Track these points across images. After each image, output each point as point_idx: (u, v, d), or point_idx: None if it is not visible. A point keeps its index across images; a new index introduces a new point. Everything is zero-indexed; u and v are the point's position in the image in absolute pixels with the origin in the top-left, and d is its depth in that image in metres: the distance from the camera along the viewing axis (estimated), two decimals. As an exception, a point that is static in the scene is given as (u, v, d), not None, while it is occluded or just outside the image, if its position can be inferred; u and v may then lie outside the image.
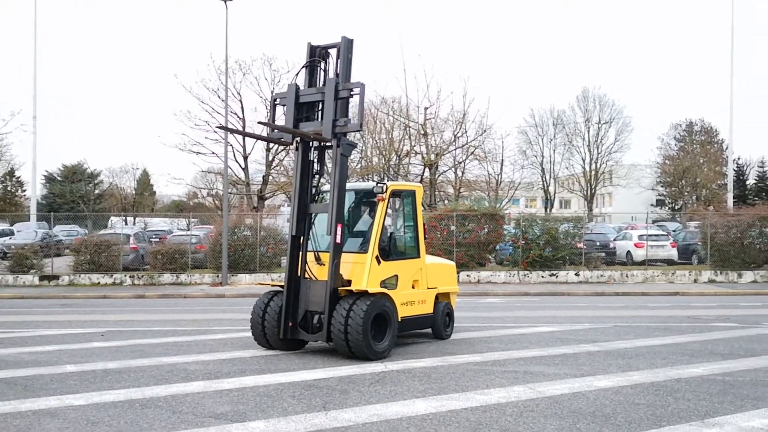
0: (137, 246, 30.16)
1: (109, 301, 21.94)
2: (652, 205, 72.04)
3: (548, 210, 62.82)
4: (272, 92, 39.04)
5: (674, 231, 38.23)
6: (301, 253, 11.33)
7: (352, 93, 11.08)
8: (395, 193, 12.07)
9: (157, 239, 34.69)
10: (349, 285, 11.03)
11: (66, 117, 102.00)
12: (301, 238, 11.32)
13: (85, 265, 26.88)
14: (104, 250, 27.09)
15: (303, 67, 11.67)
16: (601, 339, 12.72)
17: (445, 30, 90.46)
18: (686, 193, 65.50)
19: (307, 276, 11.31)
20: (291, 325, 11.18)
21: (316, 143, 11.49)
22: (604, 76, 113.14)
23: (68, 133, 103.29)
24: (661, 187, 70.41)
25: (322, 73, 11.56)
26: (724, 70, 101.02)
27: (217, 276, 26.28)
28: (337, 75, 11.34)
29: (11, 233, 37.60)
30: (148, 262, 28.53)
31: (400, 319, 11.31)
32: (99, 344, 12.51)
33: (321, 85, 11.47)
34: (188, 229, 37.64)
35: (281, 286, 11.47)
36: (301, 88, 11.54)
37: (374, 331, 10.71)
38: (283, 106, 11.58)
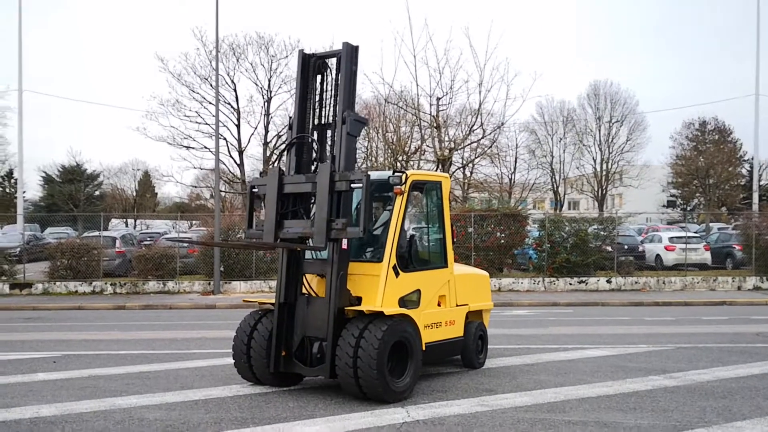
0: (124, 250, 27.56)
1: (83, 313, 19.38)
2: (663, 206, 69.65)
3: (557, 211, 60.37)
4: (269, 80, 36.53)
5: (695, 233, 36.04)
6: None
7: (352, 185, 8.29)
8: (416, 185, 9.35)
9: (151, 242, 31.95)
10: (359, 304, 8.50)
11: (59, 115, 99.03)
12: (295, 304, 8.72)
13: (62, 272, 24.25)
14: (83, 254, 24.41)
15: (288, 145, 8.90)
16: (672, 368, 10.17)
17: (457, 11, 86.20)
18: (699, 194, 62.98)
19: (304, 292, 8.79)
20: (284, 355, 8.63)
21: None
22: (615, 71, 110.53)
23: (66, 132, 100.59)
24: (673, 188, 67.97)
25: (313, 152, 8.83)
26: (741, 65, 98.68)
27: (209, 284, 23.73)
28: (335, 112, 8.65)
29: (-4, 236, 34.87)
30: (135, 267, 25.89)
31: (424, 347, 8.76)
32: (44, 376, 9.97)
33: (312, 170, 8.72)
34: (187, 231, 35.15)
35: (272, 304, 8.95)
36: (287, 172, 8.78)
37: (392, 363, 8.17)
38: (263, 195, 8.78)
